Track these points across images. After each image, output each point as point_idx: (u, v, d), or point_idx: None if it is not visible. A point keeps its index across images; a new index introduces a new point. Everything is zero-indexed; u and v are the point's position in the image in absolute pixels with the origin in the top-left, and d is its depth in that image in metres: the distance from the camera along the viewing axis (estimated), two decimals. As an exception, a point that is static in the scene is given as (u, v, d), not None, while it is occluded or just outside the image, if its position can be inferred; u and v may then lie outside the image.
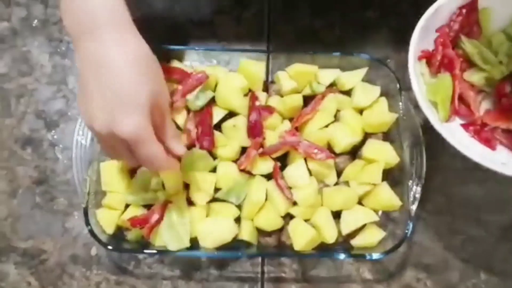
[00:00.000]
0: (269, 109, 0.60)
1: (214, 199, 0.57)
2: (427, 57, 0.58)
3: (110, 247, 0.52)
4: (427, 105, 0.54)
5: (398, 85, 0.60)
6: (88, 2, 0.44)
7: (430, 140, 0.65)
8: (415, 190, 0.57)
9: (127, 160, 0.48)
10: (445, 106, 0.56)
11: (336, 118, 0.61)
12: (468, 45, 0.59)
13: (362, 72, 0.62)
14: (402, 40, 0.69)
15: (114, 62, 0.43)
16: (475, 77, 0.59)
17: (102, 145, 0.48)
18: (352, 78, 0.62)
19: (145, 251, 0.54)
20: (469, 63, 0.60)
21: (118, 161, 0.55)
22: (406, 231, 0.54)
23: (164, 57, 0.61)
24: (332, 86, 0.62)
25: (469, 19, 0.58)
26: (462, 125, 0.58)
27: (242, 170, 0.57)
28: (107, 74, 0.43)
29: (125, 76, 0.43)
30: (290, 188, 0.57)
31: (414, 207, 0.56)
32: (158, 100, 0.46)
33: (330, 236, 0.55)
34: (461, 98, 0.58)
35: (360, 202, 0.58)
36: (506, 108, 0.57)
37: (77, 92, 0.47)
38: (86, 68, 0.44)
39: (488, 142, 0.57)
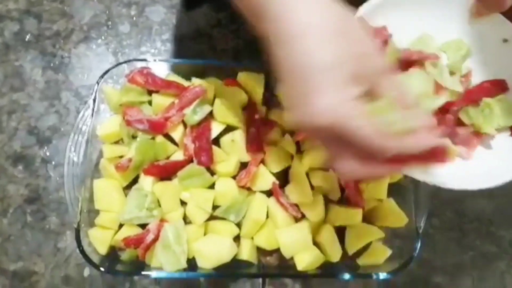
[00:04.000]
0: (269, 123, 0.58)
1: (212, 217, 0.54)
2: None
3: (102, 269, 0.49)
4: None
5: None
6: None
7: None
8: (423, 204, 0.55)
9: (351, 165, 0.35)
10: None
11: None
12: None
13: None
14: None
15: (298, 38, 0.34)
16: None
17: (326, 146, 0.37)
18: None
19: (140, 273, 0.51)
20: None
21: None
22: (414, 249, 0.52)
23: (162, 69, 0.59)
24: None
25: None
26: None
27: (241, 187, 0.55)
28: (287, 56, 0.34)
29: (306, 48, 0.33)
30: (296, 205, 0.54)
31: (421, 223, 0.54)
32: (360, 63, 0.34)
33: (335, 255, 0.53)
34: None
35: (365, 218, 0.56)
36: None
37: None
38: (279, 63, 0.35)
39: None
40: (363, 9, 0.45)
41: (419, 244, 0.52)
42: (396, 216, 0.55)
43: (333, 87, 0.33)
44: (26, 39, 0.65)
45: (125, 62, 0.57)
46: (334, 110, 0.33)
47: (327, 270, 0.53)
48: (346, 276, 0.52)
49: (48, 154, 0.61)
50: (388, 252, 0.54)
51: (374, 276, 0.52)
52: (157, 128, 0.55)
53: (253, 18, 0.38)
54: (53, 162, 0.60)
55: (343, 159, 0.35)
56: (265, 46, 0.37)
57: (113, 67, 0.57)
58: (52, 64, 0.65)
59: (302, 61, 0.34)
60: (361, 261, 0.54)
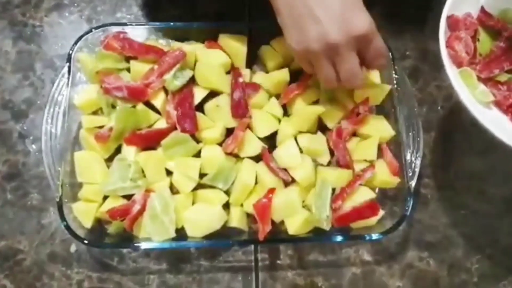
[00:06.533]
0: (254, 86, 0.56)
1: (199, 186, 0.53)
2: None
3: (86, 242, 0.48)
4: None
5: (390, 54, 0.57)
6: None
7: (427, 111, 0.62)
8: (414, 164, 0.54)
9: (331, 74, 0.48)
10: None
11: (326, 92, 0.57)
12: None
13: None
14: (392, 9, 0.66)
15: None
16: None
17: (319, 64, 0.48)
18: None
19: (127, 244, 0.50)
20: None
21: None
22: (406, 208, 0.51)
23: (139, 35, 0.57)
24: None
25: None
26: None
27: (228, 153, 0.53)
28: None
29: None
30: (285, 169, 0.53)
31: (413, 183, 0.53)
32: None
33: (326, 218, 0.52)
34: None
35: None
36: None
37: (288, 30, 0.48)
38: None
39: None
40: None
41: (411, 203, 0.51)
42: (387, 176, 0.53)
43: (364, 7, 0.46)
44: (-7, 8, 0.62)
45: (99, 27, 0.55)
46: (370, 19, 0.46)
47: (319, 233, 0.52)
48: (339, 238, 0.51)
49: (25, 128, 0.58)
50: (380, 213, 0.53)
51: (367, 237, 0.51)
52: (137, 95, 0.53)
53: None
54: (31, 137, 0.58)
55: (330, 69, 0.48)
56: None
57: (86, 33, 0.54)
58: (23, 34, 0.61)
59: None
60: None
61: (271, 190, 0.51)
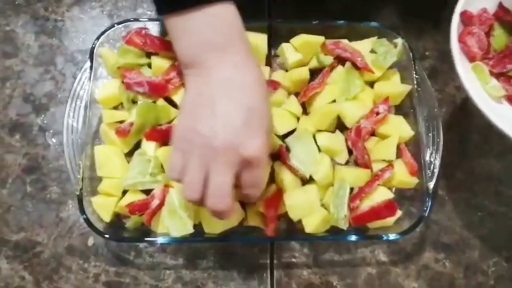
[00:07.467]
0: (274, 84, 0.56)
1: (218, 182, 0.53)
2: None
3: (107, 236, 0.48)
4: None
5: (411, 54, 0.57)
6: (206, 27, 0.43)
7: (446, 112, 0.62)
8: (433, 165, 0.54)
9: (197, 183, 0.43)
10: None
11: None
12: None
13: (370, 41, 0.58)
14: (411, 9, 0.66)
15: (244, 80, 0.43)
16: None
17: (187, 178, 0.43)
18: (361, 47, 0.58)
19: (146, 239, 0.51)
20: None
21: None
22: (425, 209, 0.51)
23: (160, 31, 0.57)
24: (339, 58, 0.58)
25: None
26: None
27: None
28: (240, 91, 0.42)
29: (258, 96, 0.43)
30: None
31: (431, 184, 0.53)
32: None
33: (343, 217, 0.52)
34: None
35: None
36: None
37: (183, 112, 0.44)
38: (213, 86, 0.42)
39: None
40: None
41: (429, 204, 0.51)
42: (405, 177, 0.53)
43: (266, 133, 0.43)
44: (16, 2, 0.63)
45: (121, 22, 0.55)
46: (264, 148, 0.43)
47: (336, 232, 0.52)
48: (356, 237, 0.51)
49: (45, 122, 0.59)
50: (398, 213, 0.53)
51: (384, 237, 0.51)
52: (158, 90, 0.53)
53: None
54: (51, 130, 0.58)
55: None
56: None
57: (109, 28, 0.54)
58: (45, 29, 0.62)
59: (256, 107, 0.42)
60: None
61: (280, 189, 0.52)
